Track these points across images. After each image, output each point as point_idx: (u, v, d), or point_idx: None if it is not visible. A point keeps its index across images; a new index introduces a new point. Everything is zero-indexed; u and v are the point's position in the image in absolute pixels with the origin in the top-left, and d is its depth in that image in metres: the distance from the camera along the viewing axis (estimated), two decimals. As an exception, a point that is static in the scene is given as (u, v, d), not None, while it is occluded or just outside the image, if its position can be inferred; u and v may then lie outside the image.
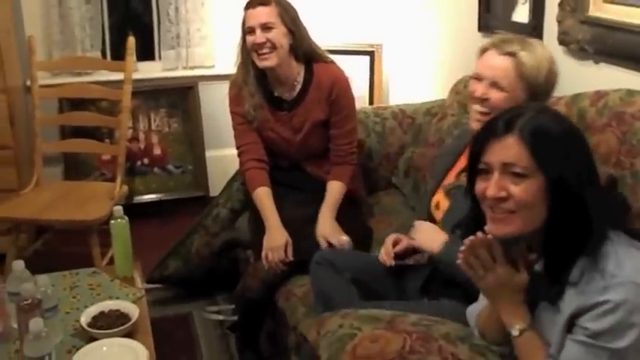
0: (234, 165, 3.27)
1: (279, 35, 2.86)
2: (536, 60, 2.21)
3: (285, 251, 2.80)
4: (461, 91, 3.22)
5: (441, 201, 2.43)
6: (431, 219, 2.47)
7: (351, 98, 3.04)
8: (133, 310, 2.45)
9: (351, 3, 4.60)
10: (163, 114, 4.70)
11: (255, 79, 2.99)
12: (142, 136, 4.68)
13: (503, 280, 1.68)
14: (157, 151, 4.71)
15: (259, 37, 2.85)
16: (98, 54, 4.53)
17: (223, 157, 4.56)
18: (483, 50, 2.30)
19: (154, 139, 4.70)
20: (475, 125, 2.28)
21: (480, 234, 1.68)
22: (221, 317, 3.39)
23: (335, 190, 2.98)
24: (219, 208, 3.37)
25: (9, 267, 2.52)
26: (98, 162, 4.56)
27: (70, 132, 4.36)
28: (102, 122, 4.00)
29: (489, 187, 1.65)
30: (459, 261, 1.73)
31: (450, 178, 2.46)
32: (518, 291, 1.69)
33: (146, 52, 4.67)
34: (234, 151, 3.17)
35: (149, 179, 4.71)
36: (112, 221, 2.76)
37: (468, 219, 1.82)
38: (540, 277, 1.69)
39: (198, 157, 4.76)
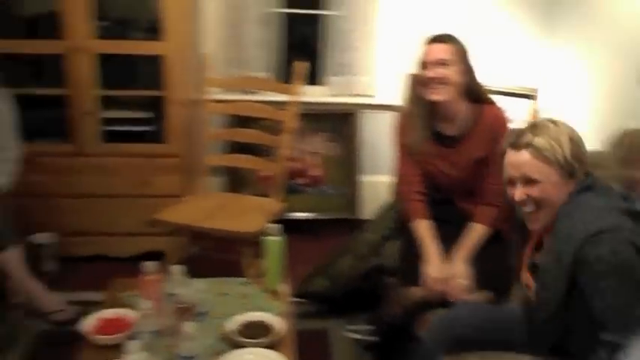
0: (386, 192, 3.32)
1: (452, 72, 2.91)
2: (552, 138, 2.17)
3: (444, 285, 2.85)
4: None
5: (528, 281, 2.37)
6: (526, 297, 2.41)
7: (507, 140, 3.05)
8: (278, 323, 2.52)
9: (508, 46, 4.62)
10: (324, 137, 4.81)
11: (424, 113, 3.04)
12: (301, 156, 4.79)
13: None
14: (315, 172, 4.82)
15: (434, 72, 2.90)
16: (268, 74, 4.68)
17: (376, 183, 4.65)
18: (502, 154, 2.28)
19: (313, 160, 4.82)
20: (531, 226, 2.28)
21: None
22: (359, 336, 3.41)
23: (475, 232, 2.98)
24: (370, 233, 3.42)
25: (169, 268, 2.64)
26: (256, 177, 4.66)
27: (232, 145, 4.51)
28: (266, 141, 3.97)
29: None
30: None
31: (528, 253, 2.42)
32: None
33: (310, 76, 4.69)
34: (387, 179, 3.22)
35: (304, 198, 4.81)
36: (268, 238, 2.82)
37: None
38: None
39: (353, 181, 4.83)
